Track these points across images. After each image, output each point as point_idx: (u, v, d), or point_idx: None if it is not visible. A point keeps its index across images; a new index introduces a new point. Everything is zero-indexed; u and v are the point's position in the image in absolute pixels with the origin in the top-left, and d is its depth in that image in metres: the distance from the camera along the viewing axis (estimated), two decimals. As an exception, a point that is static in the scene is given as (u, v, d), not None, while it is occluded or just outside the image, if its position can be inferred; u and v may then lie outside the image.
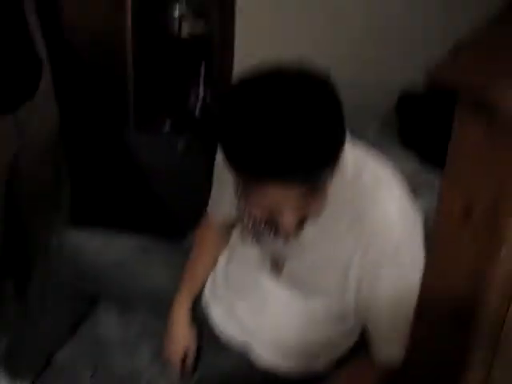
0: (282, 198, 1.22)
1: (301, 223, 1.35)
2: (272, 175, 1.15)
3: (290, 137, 1.13)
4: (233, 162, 1.19)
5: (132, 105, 3.31)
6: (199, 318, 1.79)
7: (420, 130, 2.55)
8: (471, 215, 0.92)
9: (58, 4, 2.62)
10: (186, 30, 3.05)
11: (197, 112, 3.00)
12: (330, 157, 1.20)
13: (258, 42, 2.47)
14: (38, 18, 1.98)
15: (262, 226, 1.49)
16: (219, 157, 1.56)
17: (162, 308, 1.81)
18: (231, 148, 1.18)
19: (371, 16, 2.53)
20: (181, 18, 3.08)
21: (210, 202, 1.75)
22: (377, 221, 1.39)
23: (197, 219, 1.98)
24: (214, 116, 2.68)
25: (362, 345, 1.66)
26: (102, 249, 1.84)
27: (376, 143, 1.70)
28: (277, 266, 1.57)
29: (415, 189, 1.51)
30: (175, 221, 2.61)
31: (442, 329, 1.05)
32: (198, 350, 1.77)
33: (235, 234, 1.70)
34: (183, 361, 1.79)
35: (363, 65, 2.58)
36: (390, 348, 1.47)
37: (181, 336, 1.75)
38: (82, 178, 2.56)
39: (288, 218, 1.27)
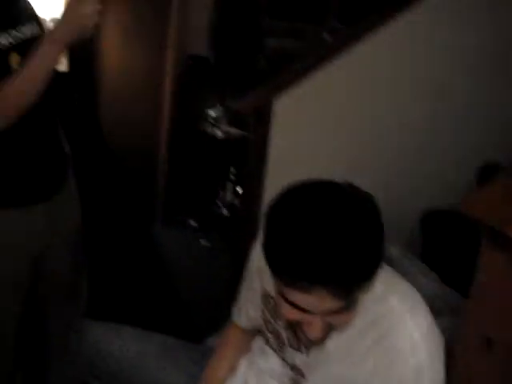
0: (316, 305, 1.23)
1: (326, 333, 1.36)
2: (311, 281, 1.18)
3: (333, 248, 1.17)
4: (276, 266, 1.22)
5: (161, 199, 3.37)
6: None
7: (443, 251, 2.55)
8: (492, 348, 0.90)
9: (96, 112, 2.73)
10: (220, 131, 3.15)
11: (224, 212, 3.05)
12: (370, 271, 1.22)
13: (291, 151, 2.52)
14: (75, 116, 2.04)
15: (287, 333, 1.48)
16: (252, 264, 1.58)
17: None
18: (275, 253, 1.21)
19: (402, 139, 2.60)
20: (216, 120, 3.20)
21: (236, 311, 1.76)
22: (399, 346, 1.38)
23: (217, 321, 1.98)
24: (240, 218, 2.70)
25: None
26: (121, 346, 1.84)
27: (399, 262, 1.70)
28: (297, 378, 1.56)
29: (435, 308, 1.51)
30: (195, 321, 2.56)
31: None
32: None
33: (257, 341, 1.69)
34: None
35: (389, 180, 2.62)
36: None
37: None
38: (101, 270, 2.58)
39: (316, 326, 1.28)
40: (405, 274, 1.56)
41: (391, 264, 1.53)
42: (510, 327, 0.89)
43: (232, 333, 1.80)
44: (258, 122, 2.49)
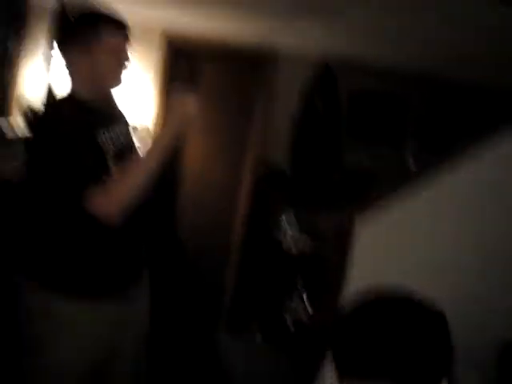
0: None
1: None
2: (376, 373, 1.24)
3: (397, 346, 1.23)
4: (344, 365, 1.28)
5: (228, 308, 3.35)
6: None
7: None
8: None
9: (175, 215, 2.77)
10: (295, 247, 3.14)
11: (291, 327, 2.99)
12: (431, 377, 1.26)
13: (372, 272, 2.48)
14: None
15: None
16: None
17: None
18: (345, 351, 1.28)
19: (485, 267, 2.54)
20: (292, 236, 3.19)
21: None
22: None
23: None
24: (307, 334, 2.65)
25: None
26: None
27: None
28: None
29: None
30: None
31: None
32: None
33: None
34: None
35: (467, 310, 2.54)
36: None
37: None
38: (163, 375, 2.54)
39: None
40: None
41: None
42: None
43: None
44: (339, 240, 2.47)
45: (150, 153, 1.78)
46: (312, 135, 3.96)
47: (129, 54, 1.88)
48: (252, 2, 2.98)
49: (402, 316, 1.27)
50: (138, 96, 3.90)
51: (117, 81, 1.89)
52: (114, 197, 1.72)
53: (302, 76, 4.13)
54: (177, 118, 1.79)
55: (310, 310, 2.95)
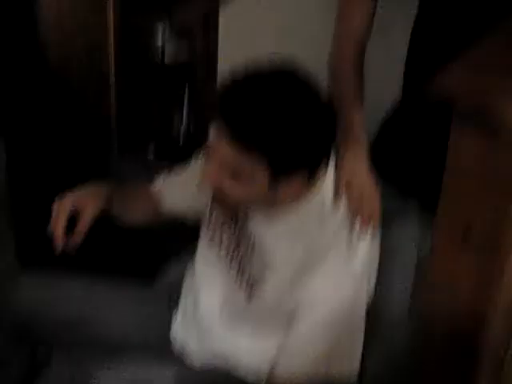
0: (219, 147, 1.27)
1: (239, 203, 1.38)
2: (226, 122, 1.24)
3: (264, 110, 1.21)
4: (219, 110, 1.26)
5: (115, 131, 3.18)
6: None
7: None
8: (470, 239, 0.94)
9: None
10: (169, 56, 3.05)
11: (181, 138, 3.11)
12: (267, 140, 1.21)
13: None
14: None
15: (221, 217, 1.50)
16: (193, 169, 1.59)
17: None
18: (222, 100, 1.26)
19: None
20: (164, 44, 3.11)
21: (165, 183, 1.66)
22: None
23: (169, 256, 1.93)
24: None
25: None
26: (65, 295, 1.67)
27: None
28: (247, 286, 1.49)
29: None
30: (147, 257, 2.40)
31: (445, 355, 1.10)
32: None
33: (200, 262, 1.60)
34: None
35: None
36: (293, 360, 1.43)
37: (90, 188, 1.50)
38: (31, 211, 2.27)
39: (228, 184, 1.29)
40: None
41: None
42: (484, 213, 0.94)
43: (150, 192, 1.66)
44: (205, 33, 2.48)
45: None
46: None
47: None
48: None
49: (282, 89, 1.23)
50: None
51: None
52: None
53: None
54: None
55: (193, 120, 3.13)
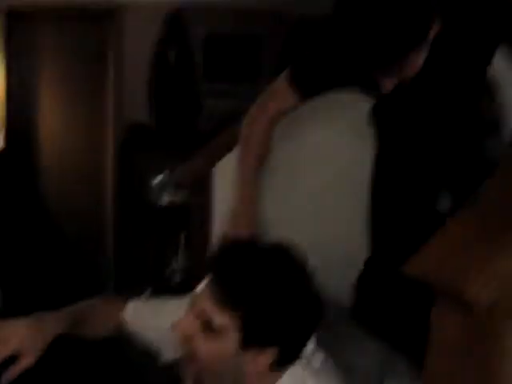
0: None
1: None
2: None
3: None
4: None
5: (113, 272, 3.24)
6: None
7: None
8: None
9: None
10: (166, 199, 3.20)
11: (176, 280, 3.16)
12: None
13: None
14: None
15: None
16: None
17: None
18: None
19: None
20: (162, 187, 3.25)
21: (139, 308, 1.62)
22: None
23: None
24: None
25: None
26: None
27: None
28: None
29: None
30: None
31: None
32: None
33: None
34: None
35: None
36: None
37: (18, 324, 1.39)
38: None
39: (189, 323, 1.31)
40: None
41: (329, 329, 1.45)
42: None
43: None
44: (198, 192, 2.48)
45: None
46: (167, 86, 3.75)
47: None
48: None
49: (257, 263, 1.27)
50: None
51: None
52: None
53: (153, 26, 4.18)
54: None
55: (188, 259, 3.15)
